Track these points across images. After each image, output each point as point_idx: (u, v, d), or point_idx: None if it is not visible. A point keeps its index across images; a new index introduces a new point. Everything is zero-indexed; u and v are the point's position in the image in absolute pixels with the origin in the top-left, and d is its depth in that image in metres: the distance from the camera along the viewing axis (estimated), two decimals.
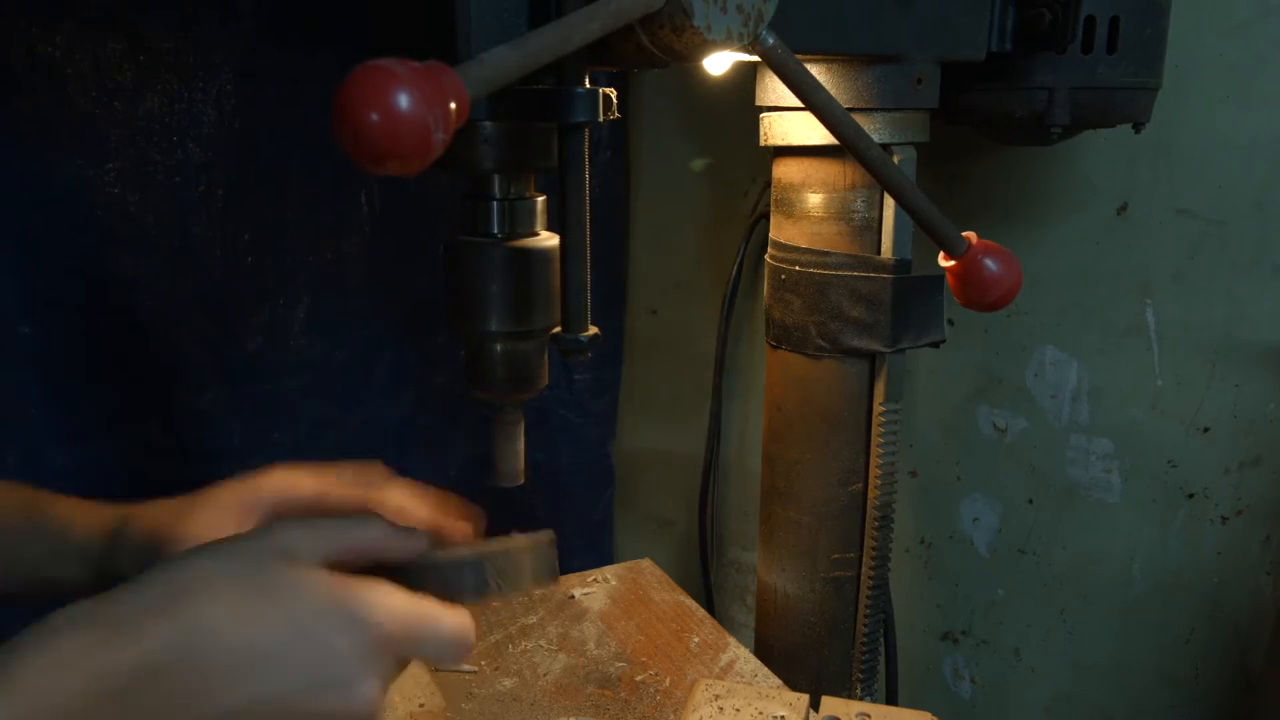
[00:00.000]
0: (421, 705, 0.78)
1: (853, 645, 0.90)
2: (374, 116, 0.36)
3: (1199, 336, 0.96)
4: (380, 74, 0.36)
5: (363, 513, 0.56)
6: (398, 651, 0.47)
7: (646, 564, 1.03)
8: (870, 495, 0.86)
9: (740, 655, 0.87)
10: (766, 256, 0.87)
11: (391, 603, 0.47)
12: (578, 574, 1.00)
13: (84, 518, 0.61)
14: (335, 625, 0.45)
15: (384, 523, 0.51)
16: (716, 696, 0.74)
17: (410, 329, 1.22)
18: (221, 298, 1.07)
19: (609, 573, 1.00)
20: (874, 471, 0.85)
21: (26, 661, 0.40)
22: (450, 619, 0.49)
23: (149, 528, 0.58)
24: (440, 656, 0.49)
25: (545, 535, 0.56)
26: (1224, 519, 0.98)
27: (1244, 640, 0.98)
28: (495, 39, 0.50)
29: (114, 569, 0.58)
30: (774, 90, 0.79)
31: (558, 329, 0.55)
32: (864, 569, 0.88)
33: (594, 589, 0.97)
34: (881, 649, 0.97)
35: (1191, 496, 0.99)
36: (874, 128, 0.76)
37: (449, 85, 0.38)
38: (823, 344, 0.82)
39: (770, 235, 0.86)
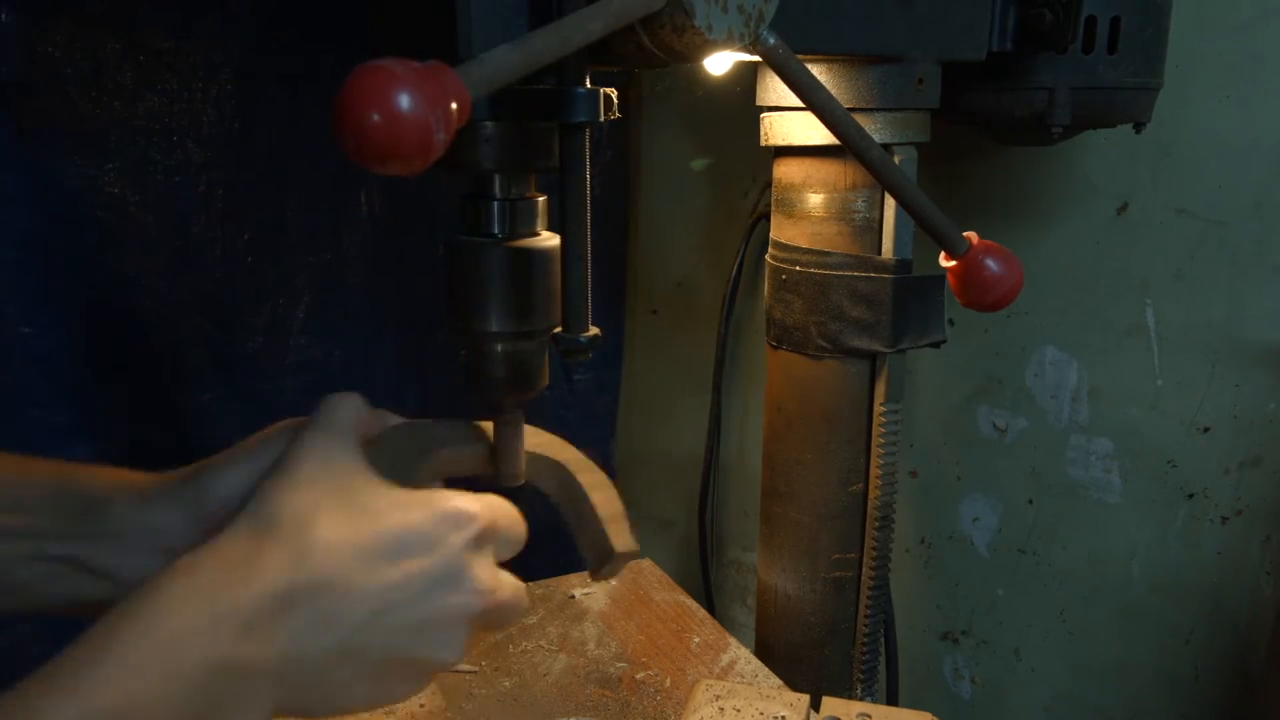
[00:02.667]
0: (421, 705, 0.78)
1: (853, 645, 0.90)
2: (375, 117, 0.36)
3: (1199, 336, 0.96)
4: (381, 74, 0.36)
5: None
6: (493, 540, 0.51)
7: (646, 564, 1.03)
8: (870, 495, 0.86)
9: (740, 655, 0.87)
10: (767, 256, 0.87)
11: (477, 498, 0.50)
12: (578, 574, 1.00)
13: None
14: (445, 524, 0.47)
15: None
16: (717, 697, 0.74)
17: (410, 329, 1.22)
18: (221, 298, 1.08)
19: None
20: (874, 471, 0.85)
21: (158, 607, 0.41)
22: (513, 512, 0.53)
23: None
24: (513, 548, 0.52)
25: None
26: (1224, 519, 0.98)
27: (1244, 640, 0.98)
28: (496, 39, 0.50)
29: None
30: (774, 90, 0.79)
31: (558, 329, 0.55)
32: (864, 569, 0.88)
33: (594, 589, 0.97)
34: (881, 649, 0.97)
35: (1191, 496, 0.99)
36: (875, 128, 0.76)
37: (450, 85, 0.38)
38: (823, 344, 0.82)
39: (770, 235, 0.86)
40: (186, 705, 0.40)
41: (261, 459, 0.53)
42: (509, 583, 0.51)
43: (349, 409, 0.53)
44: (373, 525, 0.46)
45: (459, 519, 0.48)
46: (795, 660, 0.90)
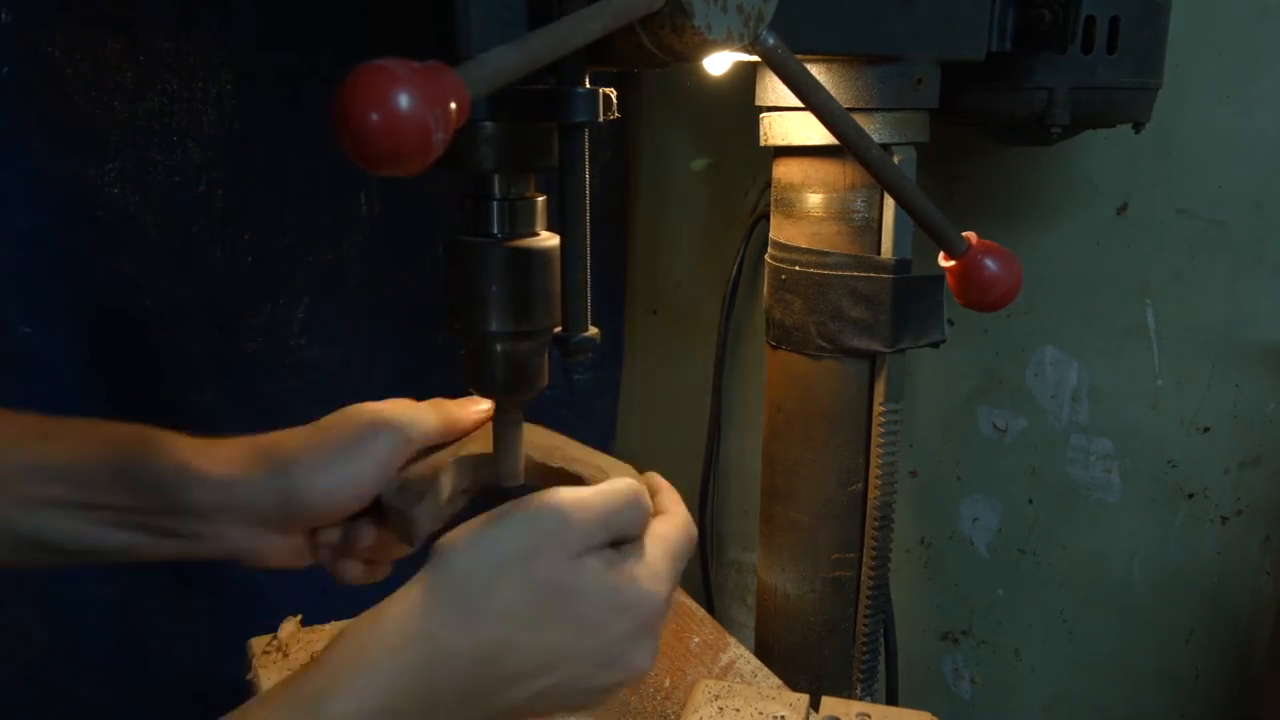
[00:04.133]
0: None
1: (853, 645, 0.90)
2: (374, 117, 0.36)
3: (1199, 336, 0.96)
4: (380, 74, 0.36)
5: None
6: (665, 617, 0.53)
7: None
8: (870, 495, 0.86)
9: (740, 655, 0.87)
10: (766, 256, 0.87)
11: (658, 581, 0.51)
12: None
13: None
14: (614, 617, 0.49)
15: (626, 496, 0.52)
16: (716, 697, 0.74)
17: (410, 329, 1.22)
18: (221, 298, 1.08)
19: None
20: (874, 471, 0.85)
21: (357, 672, 0.44)
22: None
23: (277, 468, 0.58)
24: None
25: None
26: (1224, 519, 0.98)
27: (1244, 640, 0.98)
28: (495, 39, 0.50)
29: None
30: (774, 90, 0.79)
31: (558, 329, 0.55)
32: (864, 569, 0.88)
33: None
34: (881, 649, 0.97)
35: (1191, 496, 0.99)
36: (874, 128, 0.76)
37: (449, 85, 0.38)
38: (823, 344, 0.82)
39: (770, 235, 0.86)
40: None
41: (355, 463, 0.57)
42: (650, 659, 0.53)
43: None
44: (554, 618, 0.48)
45: (628, 609, 0.50)
46: (795, 660, 0.90)
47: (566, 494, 0.50)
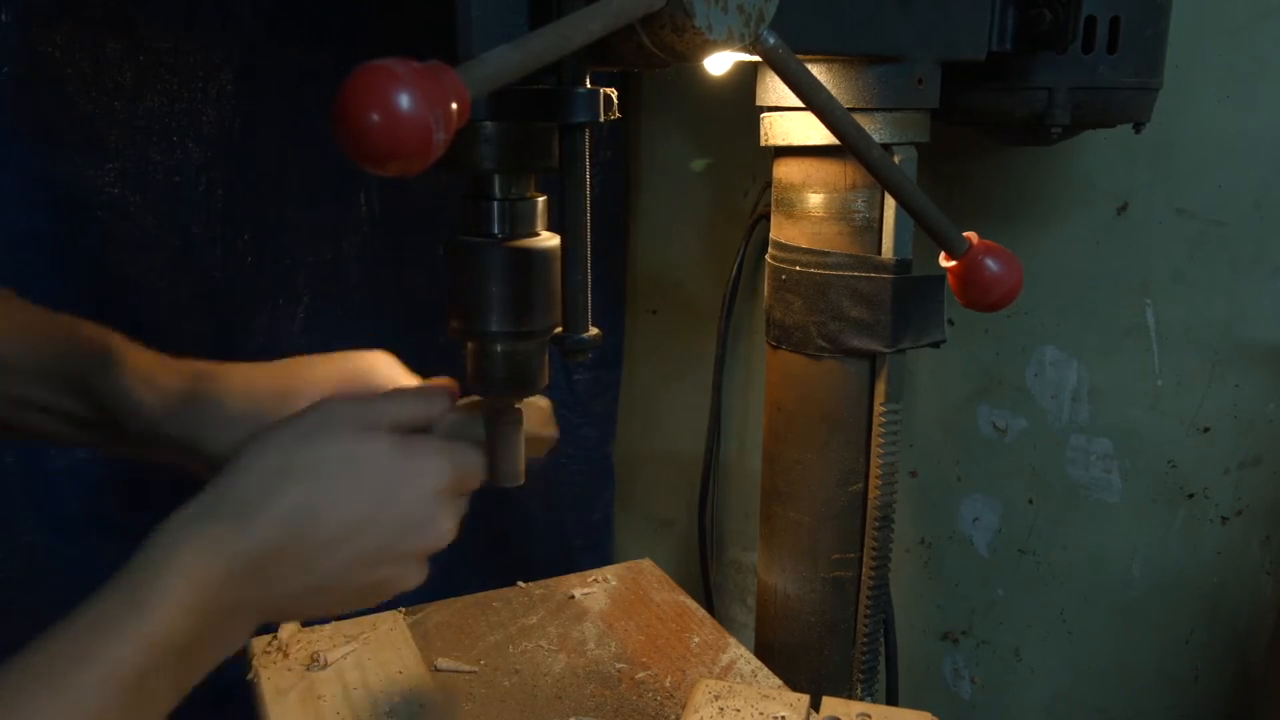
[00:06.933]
0: (422, 705, 0.78)
1: (853, 645, 0.90)
2: (375, 117, 0.36)
3: (1199, 336, 0.96)
4: (381, 74, 0.36)
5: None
6: (461, 488, 0.58)
7: (646, 564, 1.03)
8: (870, 495, 0.86)
9: (740, 655, 0.87)
10: (767, 256, 0.87)
11: (446, 454, 0.56)
12: (578, 574, 1.00)
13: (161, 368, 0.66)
14: (409, 483, 0.54)
15: (415, 395, 0.60)
16: (717, 697, 0.74)
17: (410, 329, 1.21)
18: (221, 298, 1.08)
19: (609, 573, 1.00)
20: (874, 471, 0.85)
21: (168, 562, 0.48)
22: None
23: (243, 396, 0.65)
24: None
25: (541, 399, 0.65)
26: (1224, 519, 0.98)
27: (1244, 640, 0.98)
28: (496, 39, 0.50)
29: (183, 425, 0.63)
30: (774, 90, 0.79)
31: (558, 329, 0.55)
32: (864, 569, 0.88)
33: (594, 589, 0.97)
34: (881, 649, 0.97)
35: (1191, 496, 0.99)
36: (874, 128, 0.76)
37: (450, 85, 0.38)
38: (823, 344, 0.82)
39: (770, 235, 0.86)
40: (200, 639, 0.48)
41: (264, 414, 0.62)
42: (463, 502, 0.58)
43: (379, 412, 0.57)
44: (353, 487, 0.53)
45: (421, 475, 0.55)
46: (795, 660, 0.90)
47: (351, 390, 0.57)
